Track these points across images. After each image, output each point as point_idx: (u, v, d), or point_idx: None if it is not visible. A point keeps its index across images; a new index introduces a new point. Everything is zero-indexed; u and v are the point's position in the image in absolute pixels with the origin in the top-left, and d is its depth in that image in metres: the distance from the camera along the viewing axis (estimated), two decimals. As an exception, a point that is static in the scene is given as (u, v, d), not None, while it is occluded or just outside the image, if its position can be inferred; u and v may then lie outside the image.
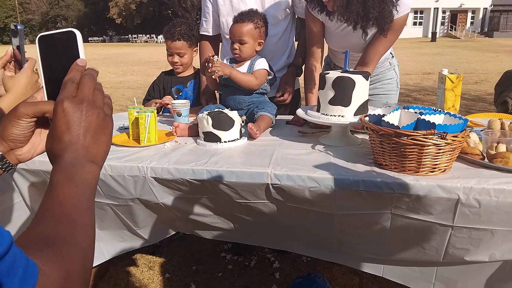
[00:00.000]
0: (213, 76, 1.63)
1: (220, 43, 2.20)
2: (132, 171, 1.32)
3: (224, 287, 1.90)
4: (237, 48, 1.78)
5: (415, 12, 38.99)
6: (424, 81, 9.45)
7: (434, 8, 38.05)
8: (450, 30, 38.30)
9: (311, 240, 1.44)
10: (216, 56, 1.69)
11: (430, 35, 31.70)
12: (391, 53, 2.04)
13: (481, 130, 1.41)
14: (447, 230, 1.15)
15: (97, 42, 49.29)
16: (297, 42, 2.13)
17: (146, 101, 2.21)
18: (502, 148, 1.23)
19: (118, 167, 1.33)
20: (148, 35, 45.58)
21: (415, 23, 39.32)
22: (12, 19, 54.70)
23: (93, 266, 1.64)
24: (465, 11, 39.33)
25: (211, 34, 2.12)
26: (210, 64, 1.62)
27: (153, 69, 13.89)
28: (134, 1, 43.16)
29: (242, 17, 1.77)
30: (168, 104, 1.95)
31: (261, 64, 1.80)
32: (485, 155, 1.25)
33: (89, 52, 25.73)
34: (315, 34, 1.87)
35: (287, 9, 2.00)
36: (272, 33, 1.98)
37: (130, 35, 47.98)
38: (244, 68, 1.81)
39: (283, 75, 2.02)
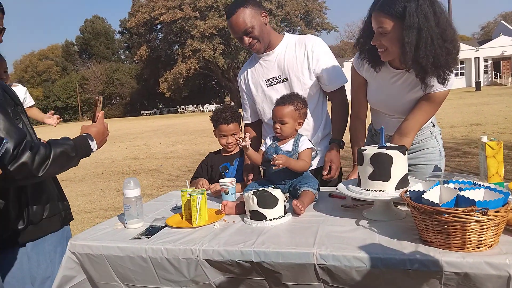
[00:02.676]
0: (274, 168, 1.81)
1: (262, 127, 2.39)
2: (186, 254, 1.42)
3: None
4: (279, 127, 1.93)
5: (456, 63, 38.69)
6: (473, 133, 9.16)
7: (475, 57, 37.62)
8: (495, 78, 37.36)
9: None
10: (248, 134, 1.90)
11: (473, 85, 31.01)
12: (431, 122, 2.04)
13: (530, 199, 1.38)
14: None
15: (149, 115, 52.90)
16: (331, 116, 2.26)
17: (194, 179, 2.37)
18: (552, 220, 1.20)
19: (174, 250, 1.44)
20: (195, 106, 48.37)
21: (456, 74, 38.81)
22: (73, 99, 60.52)
23: None
24: (508, 58, 38.47)
25: (251, 121, 2.36)
26: (246, 141, 1.83)
27: (200, 137, 14.58)
28: (181, 76, 46.60)
29: (284, 100, 1.95)
30: (217, 190, 2.08)
31: (305, 143, 1.94)
32: (535, 227, 1.23)
33: (141, 125, 27.57)
34: (359, 93, 1.99)
35: (315, 86, 2.17)
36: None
37: (178, 107, 51.21)
38: (288, 146, 1.94)
39: (327, 152, 2.13)
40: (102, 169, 9.43)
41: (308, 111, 2.16)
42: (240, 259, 1.35)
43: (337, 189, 1.69)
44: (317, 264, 1.26)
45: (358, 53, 1.89)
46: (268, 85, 2.23)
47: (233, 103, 2.50)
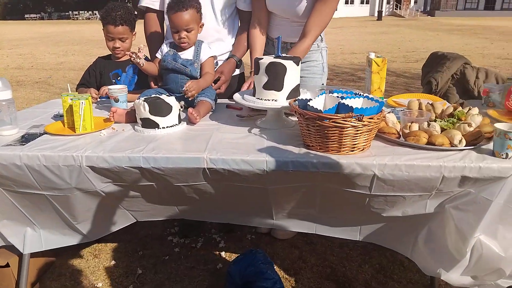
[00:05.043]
0: (189, 99, 1.71)
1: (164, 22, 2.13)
2: (66, 161, 1.32)
3: (171, 270, 1.95)
4: (185, 37, 1.78)
5: (362, -10, 39.88)
6: (369, 60, 9.79)
7: (380, -14, 39.01)
8: (395, 8, 39.63)
9: (248, 211, 1.54)
10: (142, 46, 1.77)
11: (376, 14, 32.63)
12: (321, 36, 2.08)
13: (401, 110, 1.54)
14: (365, 197, 1.30)
15: (35, 19, 45.79)
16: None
17: (80, 86, 2.15)
18: (415, 127, 1.36)
19: (52, 157, 1.32)
20: (90, 12, 43.05)
21: (362, 2, 40.29)
22: None
23: (35, 256, 1.64)
24: (409, -10, 40.72)
25: (157, 8, 2.04)
26: (139, 57, 1.73)
27: (96, 48, 13.24)
28: (73, -25, 40.33)
29: (183, 3, 1.74)
30: (106, 94, 1.92)
31: (207, 51, 1.85)
32: (401, 133, 1.38)
33: (25, 31, 23.91)
34: None
35: None
36: (219, 17, 2.00)
37: (70, 12, 45.09)
38: (189, 54, 1.83)
39: (222, 64, 2.05)
40: (-23, 78, 8.15)
41: (221, 21, 2.03)
42: (127, 165, 1.31)
43: (233, 99, 1.69)
44: (207, 168, 1.28)
45: None
46: None
47: (136, 13, 2.13)
